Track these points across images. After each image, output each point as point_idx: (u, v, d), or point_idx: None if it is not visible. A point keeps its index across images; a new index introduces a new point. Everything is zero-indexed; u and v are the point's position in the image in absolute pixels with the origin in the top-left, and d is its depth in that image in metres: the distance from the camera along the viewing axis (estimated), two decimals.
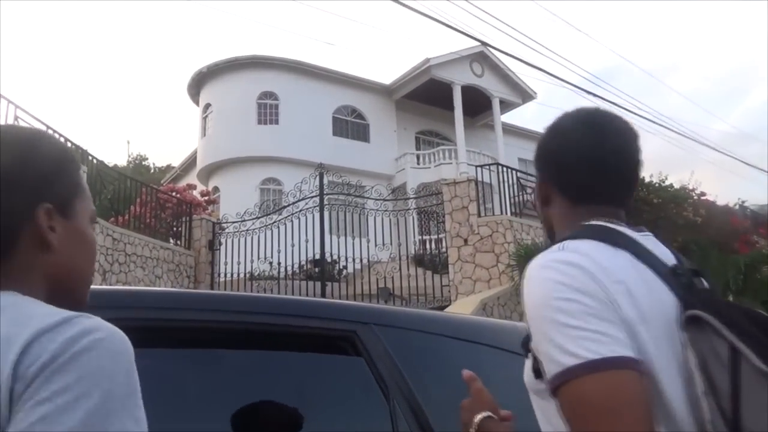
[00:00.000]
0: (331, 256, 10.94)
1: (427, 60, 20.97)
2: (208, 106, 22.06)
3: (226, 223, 12.38)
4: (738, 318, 0.80)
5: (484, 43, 11.98)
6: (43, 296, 0.74)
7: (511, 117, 24.95)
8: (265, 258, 11.13)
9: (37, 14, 60.84)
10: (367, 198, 11.40)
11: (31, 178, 0.74)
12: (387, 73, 56.09)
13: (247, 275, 11.29)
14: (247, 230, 11.63)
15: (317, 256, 10.86)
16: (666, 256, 0.96)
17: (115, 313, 0.86)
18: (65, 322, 0.63)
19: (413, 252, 12.00)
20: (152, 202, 11.82)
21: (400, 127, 22.99)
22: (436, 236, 12.23)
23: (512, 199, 10.59)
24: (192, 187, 15.87)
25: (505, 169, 10.83)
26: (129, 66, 64.04)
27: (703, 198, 12.97)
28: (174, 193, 13.59)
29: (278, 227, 11.19)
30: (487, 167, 10.71)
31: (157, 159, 50.85)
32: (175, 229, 12.43)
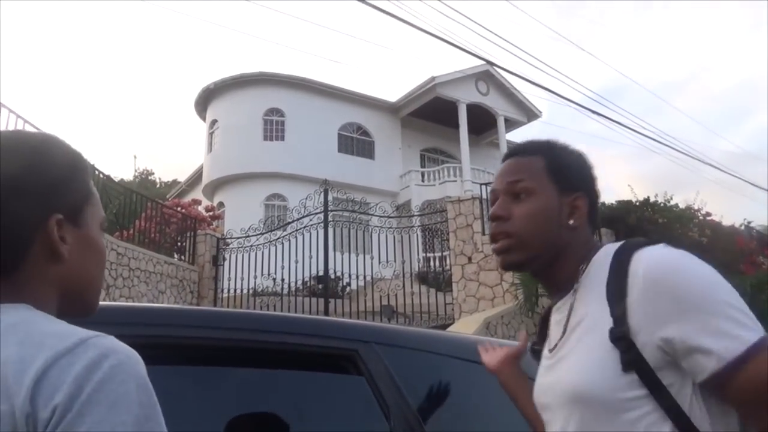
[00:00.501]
0: (335, 272, 10.92)
1: (433, 78, 21.11)
2: (214, 122, 22.22)
3: (231, 238, 12.39)
4: None
5: (489, 62, 12.05)
6: (54, 307, 0.73)
7: (516, 135, 25.03)
8: (269, 274, 11.12)
9: (45, 28, 61.71)
10: (372, 215, 11.40)
11: (41, 187, 0.72)
12: (393, 91, 56.42)
13: (251, 291, 11.27)
14: (251, 246, 11.64)
15: (321, 273, 10.84)
16: None
17: (116, 329, 0.86)
18: (82, 344, 0.62)
19: (417, 269, 11.97)
20: (157, 216, 11.85)
21: (405, 145, 23.08)
22: (440, 254, 12.21)
23: None
24: (197, 202, 15.93)
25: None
26: (137, 81, 64.70)
27: (708, 218, 12.90)
28: (179, 208, 13.64)
29: (282, 243, 11.19)
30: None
31: (163, 174, 51.20)
32: (179, 244, 12.45)
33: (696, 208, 12.91)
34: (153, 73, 63.21)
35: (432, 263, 12.88)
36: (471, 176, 20.39)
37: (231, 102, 21.55)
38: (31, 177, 0.72)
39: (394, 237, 11.15)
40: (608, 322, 0.88)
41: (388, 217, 11.21)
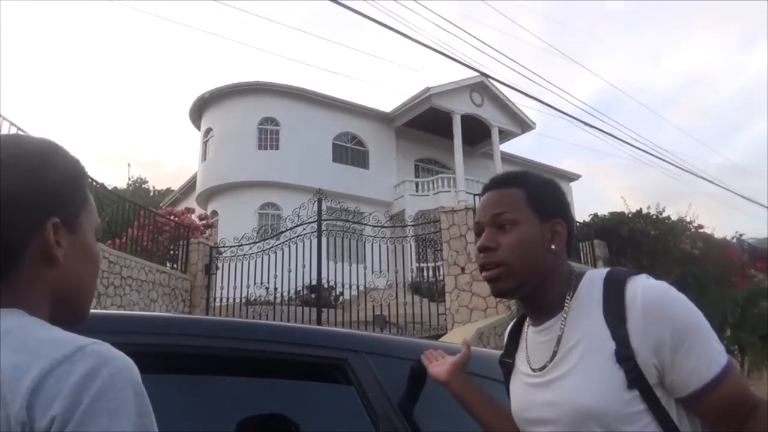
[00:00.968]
0: (328, 282, 10.90)
1: (428, 89, 21.21)
2: (209, 130, 22.22)
3: (224, 247, 12.35)
4: None
5: (483, 74, 12.13)
6: (46, 312, 0.73)
7: (510, 146, 25.19)
8: (262, 283, 11.08)
9: (37, 35, 61.66)
10: (365, 224, 11.40)
11: (41, 192, 0.73)
12: (388, 101, 56.66)
13: (243, 300, 11.22)
14: (245, 255, 11.60)
15: (314, 282, 10.81)
16: None
17: (109, 337, 0.85)
18: (78, 351, 0.61)
19: (410, 279, 11.96)
20: (150, 225, 11.81)
21: (400, 155, 23.14)
22: (433, 264, 12.21)
23: None
24: (190, 210, 15.87)
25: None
26: (132, 89, 64.67)
27: (700, 230, 13.00)
28: (172, 217, 13.59)
29: (275, 252, 11.16)
30: None
31: (157, 182, 51.02)
32: (172, 252, 12.40)
33: (688, 220, 13.01)
34: (148, 81, 63.24)
35: (425, 273, 12.88)
36: (465, 187, 20.45)
37: (226, 111, 21.57)
38: (32, 183, 0.72)
39: (387, 247, 11.15)
40: (610, 344, 0.98)
41: (382, 226, 11.22)
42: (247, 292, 11.21)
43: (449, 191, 20.74)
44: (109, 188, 17.09)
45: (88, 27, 64.33)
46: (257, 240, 11.89)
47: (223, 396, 1.34)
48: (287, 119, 21.12)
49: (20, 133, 8.66)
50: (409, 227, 12.22)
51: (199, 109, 22.64)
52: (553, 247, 1.10)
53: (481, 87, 22.23)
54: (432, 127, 22.51)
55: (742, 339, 9.90)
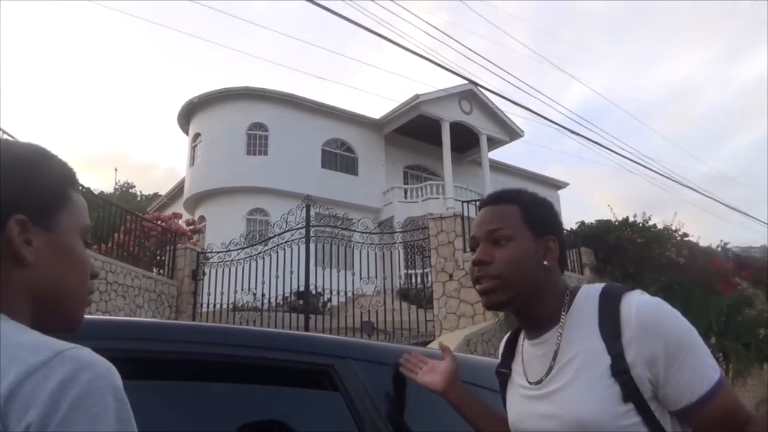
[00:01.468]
0: (316, 288, 10.86)
1: (417, 96, 21.29)
2: (197, 135, 22.13)
3: (211, 252, 12.27)
4: None
5: (472, 82, 12.20)
6: (28, 316, 0.70)
7: (499, 154, 25.31)
8: (249, 289, 11.02)
9: (25, 38, 61.17)
10: (354, 231, 11.39)
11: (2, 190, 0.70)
12: (377, 108, 56.77)
13: (230, 306, 11.15)
14: (232, 260, 11.53)
15: (302, 288, 10.77)
16: None
17: (91, 343, 0.84)
18: (56, 357, 0.60)
19: (399, 286, 11.94)
20: (136, 230, 11.71)
21: (389, 162, 23.17)
22: (421, 270, 12.21)
23: None
24: (178, 215, 15.76)
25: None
26: (120, 94, 64.29)
27: (686, 239, 13.13)
28: (159, 222, 13.49)
29: (263, 258, 11.11)
30: (474, 203, 10.78)
31: (144, 187, 50.68)
32: (158, 258, 12.29)
33: (674, 228, 13.13)
34: (136, 85, 62.89)
35: (413, 280, 12.88)
36: (453, 194, 20.51)
37: (214, 116, 21.50)
38: None
39: (376, 253, 11.14)
40: (606, 359, 1.02)
41: (370, 233, 11.21)
42: (235, 298, 11.14)
43: (438, 198, 20.80)
44: (96, 192, 16.93)
45: (77, 31, 63.96)
46: (245, 246, 11.82)
47: (208, 402, 1.33)
48: (276, 125, 21.09)
49: (5, 137, 8.57)
50: (397, 234, 12.22)
51: (188, 114, 22.55)
52: (545, 263, 1.13)
53: (470, 95, 22.35)
54: (421, 134, 22.59)
55: (726, 346, 9.98)
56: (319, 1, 7.14)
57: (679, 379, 0.98)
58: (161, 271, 11.88)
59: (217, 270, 11.58)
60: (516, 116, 23.59)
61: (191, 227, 15.68)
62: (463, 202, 10.91)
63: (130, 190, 35.93)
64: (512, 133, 24.14)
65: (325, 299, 11.44)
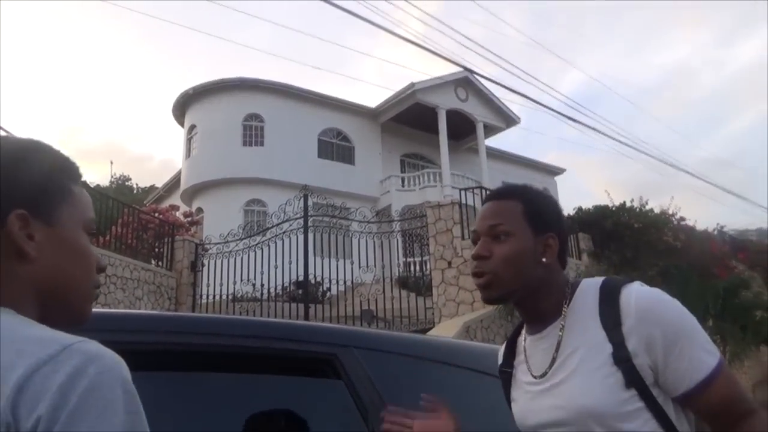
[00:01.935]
0: (315, 277, 10.88)
1: (413, 84, 21.21)
2: (193, 127, 22.04)
3: (209, 244, 12.27)
4: None
5: (468, 69, 12.16)
6: (35, 311, 0.71)
7: (495, 141, 25.28)
8: (248, 280, 11.04)
9: (14, 31, 60.63)
10: (352, 220, 11.40)
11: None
12: (373, 97, 56.51)
13: (230, 297, 11.17)
14: (231, 252, 11.54)
15: (301, 278, 10.79)
16: None
17: (96, 336, 0.85)
18: (65, 350, 0.60)
19: (397, 274, 11.97)
20: (134, 222, 11.70)
21: (386, 150, 23.13)
22: (420, 258, 12.23)
23: None
24: (175, 208, 15.75)
25: (488, 192, 10.90)
26: (114, 86, 63.89)
27: (682, 223, 13.14)
28: (156, 214, 13.47)
29: (262, 249, 11.12)
30: (471, 190, 10.79)
31: (140, 179, 50.53)
32: (156, 250, 12.29)
33: (671, 212, 13.14)
34: (130, 78, 62.50)
35: (412, 268, 12.90)
36: (451, 181, 20.51)
37: (210, 107, 21.40)
38: None
39: (374, 242, 11.16)
40: (608, 347, 1.04)
41: (369, 222, 11.22)
42: (234, 288, 11.16)
43: (435, 186, 20.79)
44: (92, 186, 16.88)
45: (70, 23, 63.40)
46: (243, 237, 11.83)
47: (214, 392, 1.34)
48: (272, 115, 21.01)
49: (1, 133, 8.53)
50: (395, 222, 12.24)
51: (183, 105, 22.43)
52: (544, 260, 1.15)
53: (466, 82, 22.28)
54: (417, 123, 22.53)
55: (723, 329, 10.05)
56: None
57: (678, 366, 1.01)
58: (160, 263, 11.89)
59: (215, 261, 11.59)
60: (512, 103, 23.51)
61: (189, 219, 15.68)
62: (460, 189, 10.92)
63: (126, 183, 35.85)
64: (508, 119, 24.10)
65: (325, 288, 11.47)
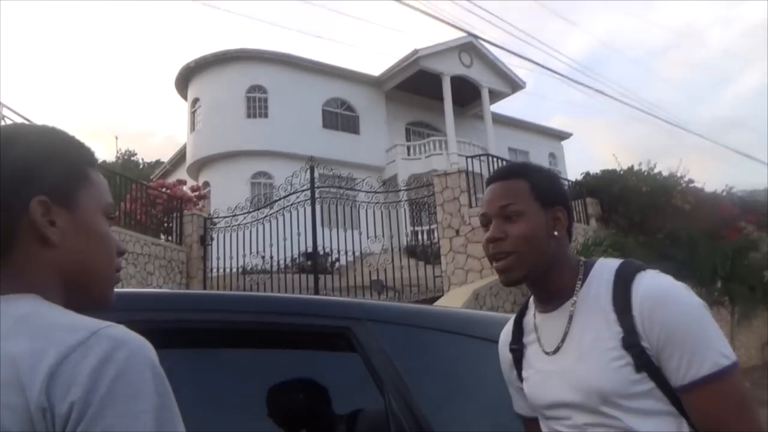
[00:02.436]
0: (324, 249, 10.94)
1: (416, 51, 20.92)
2: (196, 100, 21.91)
3: (218, 218, 12.33)
4: None
5: (471, 34, 11.98)
6: (60, 296, 0.72)
7: (501, 107, 25.02)
8: (258, 252, 11.12)
9: (20, 10, 60.03)
10: (359, 190, 11.40)
11: (15, 171, 0.71)
12: (376, 65, 55.84)
13: (240, 270, 11.27)
14: (239, 225, 11.60)
15: (309, 250, 10.85)
16: None
17: (115, 315, 0.86)
18: (93, 336, 0.62)
19: (405, 243, 12.01)
20: (142, 198, 11.75)
21: (390, 119, 22.96)
22: (428, 227, 12.26)
23: None
24: (182, 182, 15.77)
25: (495, 159, 10.87)
26: (116, 61, 63.41)
27: (691, 185, 13.05)
28: (164, 189, 13.52)
29: (270, 221, 11.17)
30: (478, 157, 10.74)
31: (146, 155, 50.55)
32: (166, 225, 12.38)
33: (679, 175, 13.04)
34: (132, 52, 61.94)
35: (420, 237, 12.94)
36: (457, 149, 20.37)
37: (212, 80, 21.23)
38: (4, 163, 0.71)
39: (381, 212, 11.18)
40: (618, 331, 1.06)
41: (375, 192, 11.22)
42: (244, 261, 11.25)
43: (441, 154, 20.68)
44: (98, 162, 16.86)
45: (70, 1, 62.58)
46: (251, 210, 11.87)
47: (229, 369, 1.37)
48: (275, 86, 20.83)
49: (3, 108, 8.52)
50: (402, 192, 12.23)
51: (185, 78, 22.26)
52: (555, 233, 1.16)
53: (470, 47, 21.95)
54: (422, 90, 22.30)
55: (732, 290, 10.09)
56: None
57: (667, 364, 1.03)
58: (170, 238, 11.99)
59: (224, 235, 11.66)
60: (517, 68, 23.24)
61: (196, 193, 15.72)
62: (466, 157, 10.87)
63: (132, 158, 35.81)
64: (514, 84, 23.80)
65: (333, 259, 11.54)
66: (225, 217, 12.02)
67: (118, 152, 35.52)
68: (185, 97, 22.82)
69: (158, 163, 31.85)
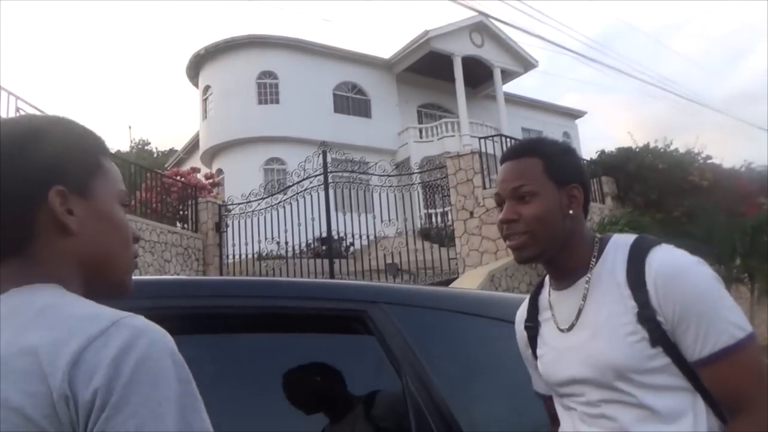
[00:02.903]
0: (338, 233, 10.98)
1: (426, 32, 20.74)
2: (207, 88, 21.95)
3: (232, 204, 12.42)
4: None
5: (482, 13, 11.82)
6: (80, 285, 0.73)
7: (513, 86, 24.77)
8: (272, 238, 11.19)
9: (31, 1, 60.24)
10: (372, 174, 11.39)
11: (34, 162, 0.72)
12: (386, 47, 55.44)
13: (255, 256, 11.36)
14: (253, 211, 11.67)
15: (324, 234, 10.90)
16: None
17: (135, 303, 0.87)
18: (113, 325, 0.63)
19: (419, 226, 12.02)
20: (157, 186, 11.85)
21: (402, 101, 22.84)
22: (441, 210, 12.24)
23: None
24: (196, 170, 15.87)
25: (508, 139, 10.79)
26: (128, 51, 63.60)
27: (708, 161, 12.84)
28: (178, 177, 13.62)
29: (284, 207, 11.22)
30: (491, 138, 10.67)
31: (159, 143, 50.84)
32: (181, 212, 12.48)
33: (696, 151, 12.84)
34: (143, 41, 62.06)
35: (434, 219, 12.93)
36: (469, 130, 20.25)
37: (223, 67, 21.24)
38: (21, 154, 0.71)
39: (395, 195, 11.18)
40: (633, 305, 1.05)
41: (388, 175, 11.20)
42: (259, 247, 11.34)
43: (453, 136, 20.57)
44: (113, 152, 17.00)
45: None
46: (265, 196, 11.93)
47: (249, 353, 1.38)
48: (285, 72, 20.80)
49: (18, 99, 8.60)
50: (415, 175, 12.20)
51: (196, 66, 22.30)
52: (570, 212, 1.15)
53: (481, 27, 21.72)
54: (433, 72, 22.13)
55: (751, 267, 9.97)
56: None
57: (683, 339, 1.02)
58: (185, 226, 12.09)
59: (239, 221, 11.75)
60: (530, 46, 22.94)
61: (210, 181, 15.81)
62: (479, 138, 10.80)
63: (146, 147, 36.00)
64: (526, 63, 23.53)
65: (348, 243, 11.59)
66: (239, 203, 12.09)
67: (132, 141, 35.75)
68: (197, 85, 22.88)
69: (172, 151, 32.01)
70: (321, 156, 11.05)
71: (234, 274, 10.95)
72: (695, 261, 1.08)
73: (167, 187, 12.36)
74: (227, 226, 11.98)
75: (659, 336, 1.03)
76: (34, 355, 0.60)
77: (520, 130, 23.70)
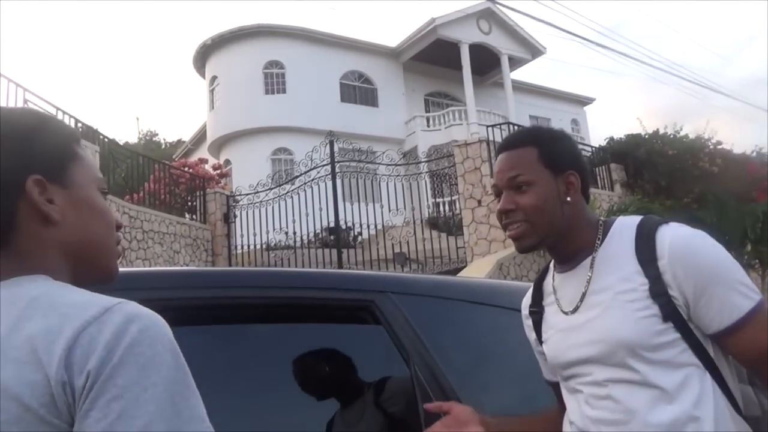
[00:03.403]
0: (346, 223, 11.00)
1: (433, 20, 20.60)
2: (214, 78, 21.95)
3: (240, 195, 12.45)
4: None
5: (490, 0, 11.71)
6: (67, 273, 0.74)
7: (521, 74, 24.59)
8: (281, 228, 11.22)
9: None
10: (379, 163, 11.38)
11: (4, 151, 0.71)
12: (392, 36, 55.10)
13: (264, 246, 11.40)
14: (261, 201, 11.70)
15: (332, 224, 10.92)
16: None
17: (143, 294, 0.87)
18: (106, 311, 0.63)
19: (427, 215, 12.01)
20: (165, 178, 11.89)
21: (409, 90, 22.75)
22: (449, 198, 12.22)
23: None
24: (204, 161, 15.91)
25: (516, 127, 10.72)
26: (135, 43, 63.63)
27: (719, 147, 12.72)
28: (186, 168, 13.66)
29: (291, 197, 11.24)
30: (498, 127, 10.60)
31: (167, 134, 50.96)
32: (189, 203, 12.54)
33: (706, 137, 12.71)
34: (150, 32, 62.04)
35: (442, 208, 12.91)
36: (477, 118, 20.16)
37: (229, 57, 21.21)
38: None
39: (402, 184, 11.16)
40: (643, 281, 1.06)
41: (396, 164, 11.19)
42: (267, 237, 11.38)
43: (461, 124, 20.48)
44: (121, 143, 17.10)
45: None
46: (273, 186, 11.96)
47: (257, 344, 1.39)
48: (292, 61, 20.75)
49: (22, 89, 8.62)
50: (422, 163, 12.17)
51: (203, 56, 22.28)
52: (568, 198, 1.15)
53: (488, 14, 21.54)
54: (440, 60, 22.00)
55: (762, 253, 9.88)
56: None
57: (706, 310, 1.03)
58: (194, 217, 12.15)
59: (247, 212, 11.78)
60: (538, 32, 22.74)
61: (218, 171, 15.85)
62: (487, 126, 10.75)
63: (154, 139, 36.14)
64: (534, 50, 23.34)
65: (356, 233, 11.60)
66: (247, 194, 12.12)
67: (140, 133, 35.88)
68: (203, 76, 22.88)
69: (180, 142, 32.11)
70: (328, 146, 11.04)
71: (243, 265, 11.00)
72: (704, 235, 1.09)
73: (175, 179, 12.41)
74: (235, 216, 12.03)
75: (670, 311, 1.04)
76: (31, 344, 0.61)
77: (528, 117, 23.57)
